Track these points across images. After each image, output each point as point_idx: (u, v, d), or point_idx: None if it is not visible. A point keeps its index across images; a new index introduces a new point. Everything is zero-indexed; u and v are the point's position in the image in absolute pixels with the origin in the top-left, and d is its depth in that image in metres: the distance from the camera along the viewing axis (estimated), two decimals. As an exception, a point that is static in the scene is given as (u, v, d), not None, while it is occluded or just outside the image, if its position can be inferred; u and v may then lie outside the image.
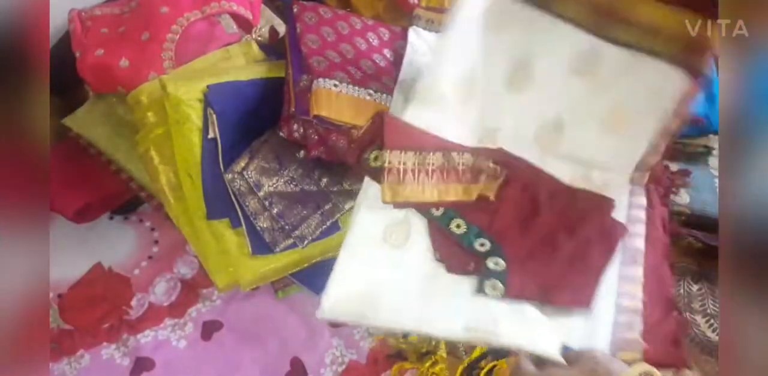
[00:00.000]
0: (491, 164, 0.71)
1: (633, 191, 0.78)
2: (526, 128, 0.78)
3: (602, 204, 0.74)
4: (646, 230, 0.75)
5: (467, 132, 0.78)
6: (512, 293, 0.67)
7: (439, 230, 0.71)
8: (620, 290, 0.72)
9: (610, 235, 0.71)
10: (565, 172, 0.78)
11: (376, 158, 0.70)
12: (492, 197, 0.70)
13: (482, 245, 0.70)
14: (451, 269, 0.70)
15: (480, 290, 0.67)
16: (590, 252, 0.71)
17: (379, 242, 0.72)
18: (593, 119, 0.80)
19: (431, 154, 0.71)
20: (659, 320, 0.70)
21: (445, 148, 0.72)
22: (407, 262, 0.72)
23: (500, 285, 0.67)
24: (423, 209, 0.72)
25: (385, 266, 0.71)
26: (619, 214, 0.76)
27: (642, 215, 0.76)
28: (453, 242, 0.71)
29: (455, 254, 0.70)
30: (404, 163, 0.70)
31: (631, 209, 0.77)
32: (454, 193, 0.70)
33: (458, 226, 0.71)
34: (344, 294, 0.69)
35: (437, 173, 0.70)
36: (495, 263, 0.68)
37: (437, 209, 0.71)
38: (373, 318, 0.68)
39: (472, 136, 0.78)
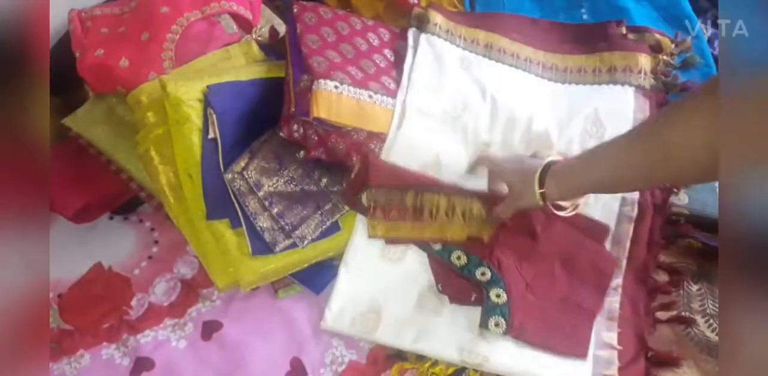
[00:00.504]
0: (480, 207, 0.72)
1: (624, 200, 0.79)
2: (517, 141, 0.79)
3: (597, 233, 0.76)
4: (629, 252, 0.77)
5: (462, 146, 0.79)
6: (514, 332, 0.69)
7: (440, 263, 0.73)
8: (599, 323, 0.74)
9: (603, 272, 0.74)
10: None
11: (366, 197, 0.73)
12: (486, 239, 0.72)
13: (483, 274, 0.71)
14: (453, 300, 0.72)
15: (483, 325, 0.69)
16: (584, 292, 0.73)
17: (378, 257, 0.74)
18: (575, 127, 0.81)
19: (417, 193, 0.72)
20: (632, 359, 0.72)
21: (432, 187, 0.73)
22: (405, 276, 0.73)
23: (503, 321, 0.69)
24: (422, 244, 0.74)
25: (384, 281, 0.73)
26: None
27: (629, 230, 0.78)
28: (455, 274, 0.73)
29: (457, 285, 0.72)
30: (390, 201, 0.72)
31: (619, 225, 0.78)
32: (440, 231, 0.73)
33: (459, 258, 0.72)
34: (347, 309, 0.71)
35: (425, 212, 0.72)
36: (497, 295, 0.70)
37: (436, 243, 0.72)
38: (373, 334, 0.70)
39: (467, 151, 0.79)
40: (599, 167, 0.59)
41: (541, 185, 0.63)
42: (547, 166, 0.64)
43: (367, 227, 0.72)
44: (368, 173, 0.72)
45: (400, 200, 0.72)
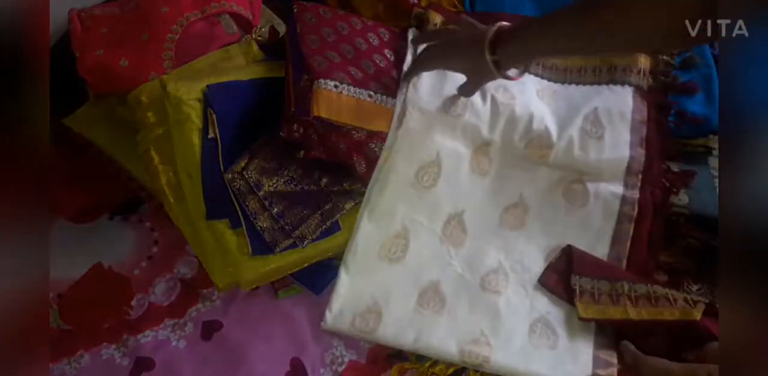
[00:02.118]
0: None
1: (624, 200, 0.79)
2: (517, 140, 0.79)
3: None
4: (629, 252, 0.78)
5: (462, 145, 0.79)
6: None
7: None
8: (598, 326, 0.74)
9: None
10: (558, 179, 0.79)
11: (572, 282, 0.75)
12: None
13: None
14: None
15: None
16: None
17: (378, 257, 0.73)
18: (575, 127, 0.81)
19: (630, 285, 0.74)
20: None
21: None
22: (405, 276, 0.73)
23: None
24: None
25: (384, 281, 0.73)
26: (606, 228, 0.78)
27: (629, 230, 0.78)
28: None
29: None
30: (598, 288, 0.74)
31: (619, 225, 0.78)
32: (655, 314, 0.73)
33: None
34: (347, 309, 0.71)
35: (641, 301, 0.73)
36: None
37: None
38: (373, 334, 0.70)
39: (467, 150, 0.79)
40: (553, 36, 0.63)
41: (493, 52, 0.66)
42: (497, 33, 0.66)
43: (577, 308, 0.72)
44: (572, 263, 0.75)
45: (610, 289, 0.73)
